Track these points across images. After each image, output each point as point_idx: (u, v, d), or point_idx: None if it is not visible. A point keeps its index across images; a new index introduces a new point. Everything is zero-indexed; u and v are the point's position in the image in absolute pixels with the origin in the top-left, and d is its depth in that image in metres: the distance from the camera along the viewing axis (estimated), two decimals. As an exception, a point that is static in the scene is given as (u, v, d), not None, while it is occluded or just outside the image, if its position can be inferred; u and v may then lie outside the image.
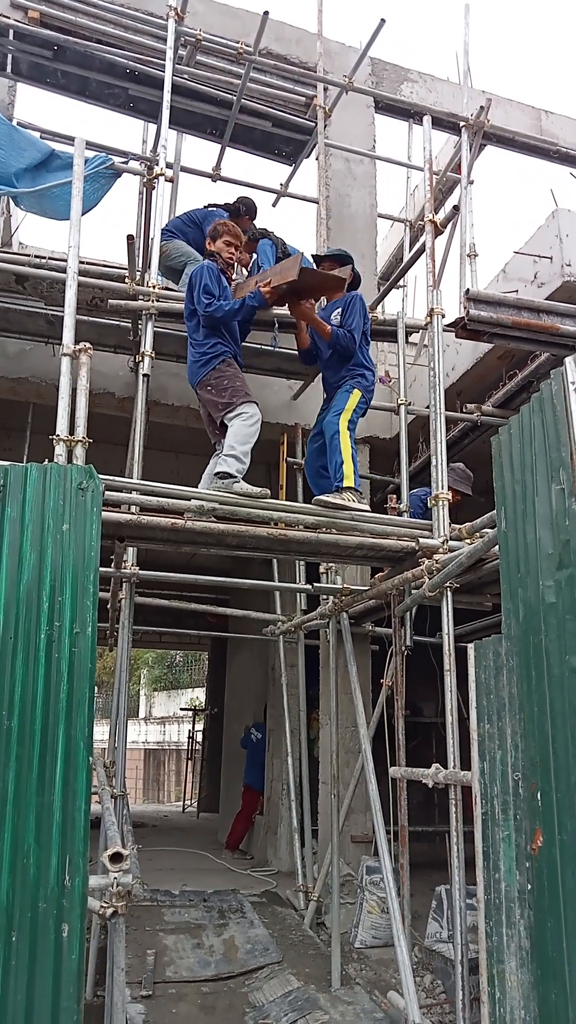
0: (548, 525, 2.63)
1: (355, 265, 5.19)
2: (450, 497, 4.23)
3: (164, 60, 5.67)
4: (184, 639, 16.66)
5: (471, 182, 5.88)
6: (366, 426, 6.75)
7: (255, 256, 6.06)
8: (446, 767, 3.60)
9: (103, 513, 3.11)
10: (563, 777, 2.38)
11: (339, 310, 4.79)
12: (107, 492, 3.59)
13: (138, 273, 5.06)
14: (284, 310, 4.97)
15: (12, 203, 6.22)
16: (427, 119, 5.32)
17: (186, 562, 10.15)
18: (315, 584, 5.39)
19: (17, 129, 5.71)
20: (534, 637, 2.63)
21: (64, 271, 4.21)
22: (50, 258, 5.38)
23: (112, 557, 4.63)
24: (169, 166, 5.57)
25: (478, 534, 3.86)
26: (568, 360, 2.64)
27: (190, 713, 17.85)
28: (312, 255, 5.41)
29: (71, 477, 2.97)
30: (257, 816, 8.23)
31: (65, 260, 4.19)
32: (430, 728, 6.94)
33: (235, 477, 4.17)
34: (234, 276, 5.13)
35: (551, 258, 5.08)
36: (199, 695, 23.09)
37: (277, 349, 5.57)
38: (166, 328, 5.37)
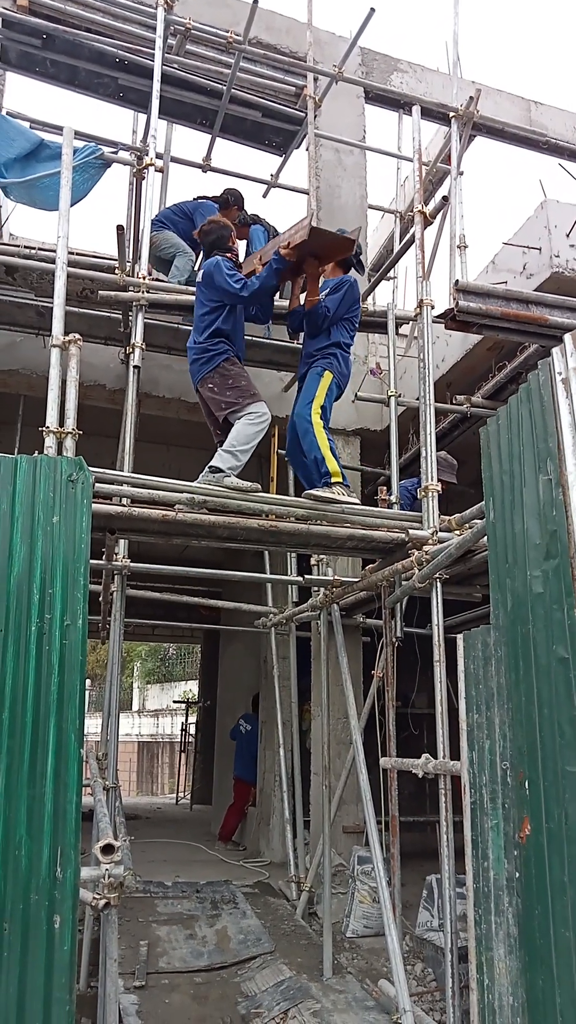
0: (536, 515, 2.64)
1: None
2: (439, 488, 4.24)
3: (154, 49, 5.63)
4: (176, 632, 16.68)
5: (461, 173, 5.89)
6: (356, 418, 6.76)
7: (246, 242, 6.06)
8: (436, 757, 3.62)
9: (94, 505, 3.10)
10: (550, 766, 2.40)
11: (330, 288, 4.75)
12: (98, 484, 3.58)
13: (128, 264, 5.04)
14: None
15: (1, 193, 6.18)
16: (416, 109, 5.31)
17: (178, 555, 10.16)
18: (306, 576, 5.41)
19: (6, 119, 5.67)
20: (522, 627, 2.65)
21: (54, 262, 4.19)
22: (40, 249, 5.36)
23: (103, 549, 4.62)
24: (159, 156, 5.55)
25: (467, 525, 3.88)
26: (555, 350, 2.64)
27: (183, 706, 17.89)
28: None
29: (61, 469, 2.96)
30: (250, 807, 8.26)
31: (55, 251, 4.17)
32: (421, 719, 6.98)
33: (225, 472, 4.16)
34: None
35: (540, 249, 5.08)
36: (192, 688, 23.13)
37: (269, 341, 5.57)
38: (157, 319, 5.36)
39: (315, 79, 6.59)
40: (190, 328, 5.53)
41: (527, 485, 2.71)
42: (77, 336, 3.82)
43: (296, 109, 6.77)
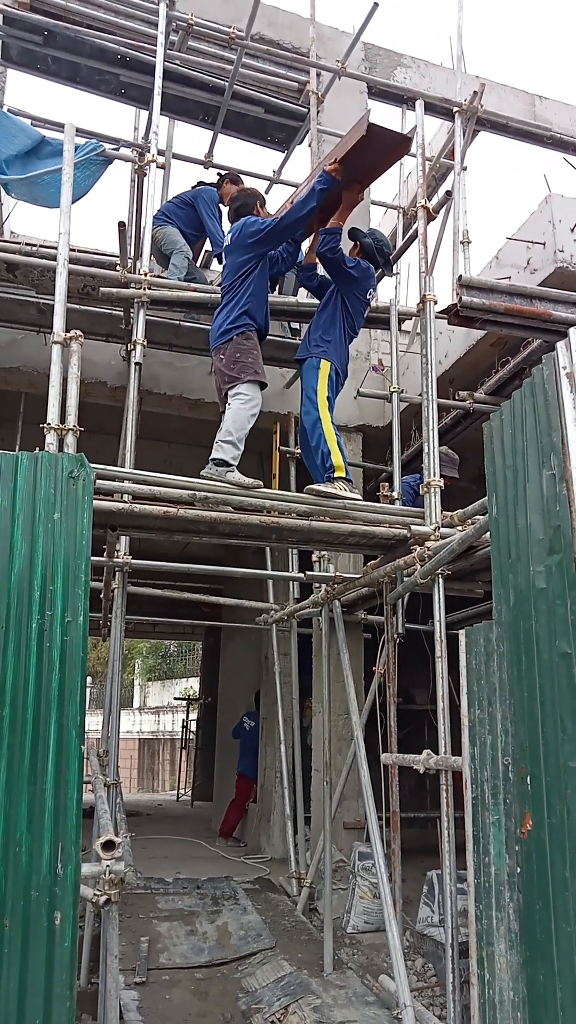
0: (539, 511, 2.63)
1: (348, 253, 5.15)
2: (442, 484, 4.23)
3: (155, 45, 5.62)
4: (178, 628, 16.67)
5: (464, 168, 5.86)
6: (359, 414, 6.76)
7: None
8: (437, 753, 3.62)
9: (95, 502, 3.09)
10: (552, 761, 2.40)
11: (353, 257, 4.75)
12: (99, 481, 3.58)
13: (130, 261, 5.03)
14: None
15: (2, 191, 6.17)
16: (420, 104, 5.28)
17: (179, 551, 10.15)
18: (308, 572, 5.40)
19: (7, 116, 5.66)
20: (524, 623, 2.64)
21: (55, 259, 4.18)
22: (41, 246, 5.34)
23: (104, 546, 4.62)
24: (161, 153, 5.55)
25: (470, 521, 3.87)
26: (559, 345, 2.63)
27: (184, 702, 17.90)
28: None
29: (62, 465, 2.95)
30: (251, 804, 8.27)
31: (56, 248, 4.16)
32: (422, 715, 6.97)
33: (230, 466, 4.15)
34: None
35: (544, 244, 5.07)
36: (193, 684, 23.15)
37: (270, 337, 5.55)
38: (158, 316, 5.35)
39: (318, 75, 6.57)
40: (191, 325, 5.53)
41: (530, 480, 2.70)
42: (78, 333, 3.81)
43: (299, 105, 6.75)
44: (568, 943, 2.23)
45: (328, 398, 4.47)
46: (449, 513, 4.05)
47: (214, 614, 10.36)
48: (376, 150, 4.41)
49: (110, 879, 2.57)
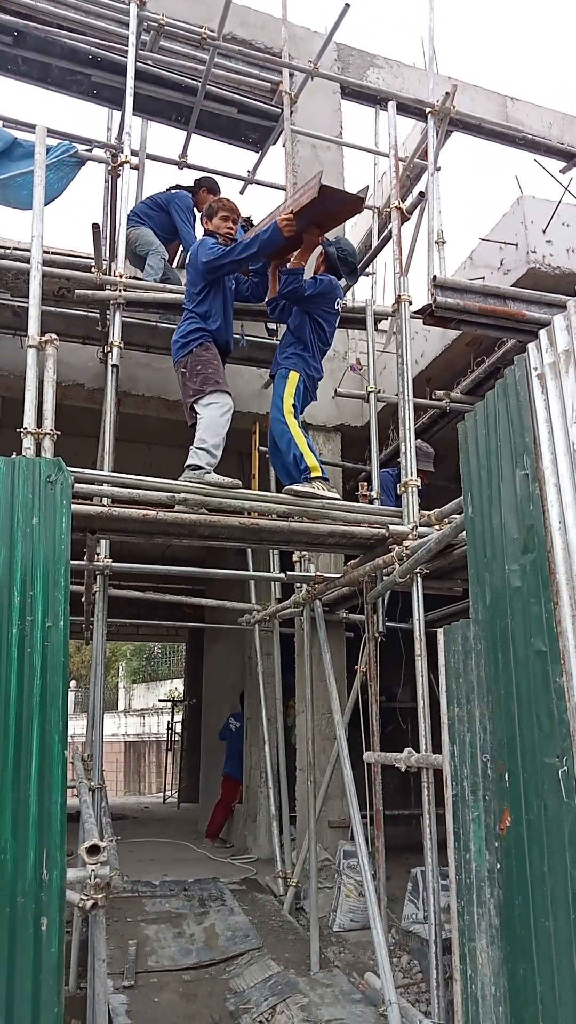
0: (513, 510, 2.67)
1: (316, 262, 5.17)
2: (419, 483, 4.26)
3: (127, 46, 5.59)
4: (161, 630, 16.65)
5: (438, 168, 5.89)
6: (337, 414, 6.78)
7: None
8: (419, 751, 3.65)
9: (74, 506, 3.09)
10: (528, 758, 2.43)
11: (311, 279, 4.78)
12: (77, 484, 3.57)
13: (105, 262, 5.01)
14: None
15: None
16: (392, 105, 5.32)
17: (160, 553, 10.13)
18: (288, 573, 5.41)
19: (-22, 118, 5.62)
20: (500, 621, 2.68)
21: (29, 261, 4.16)
22: (15, 248, 5.31)
23: (84, 550, 4.61)
24: (134, 153, 5.52)
25: (447, 520, 3.90)
26: (531, 346, 2.67)
27: (169, 704, 17.86)
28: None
29: (39, 470, 2.95)
30: (237, 805, 8.28)
31: (30, 250, 4.14)
32: (405, 713, 7.02)
33: (205, 469, 4.17)
34: None
35: (516, 245, 5.11)
36: (178, 686, 23.10)
37: (245, 338, 5.56)
38: (135, 318, 5.33)
39: (291, 75, 6.57)
40: (168, 326, 5.52)
41: (504, 480, 2.74)
42: (54, 336, 3.80)
43: (272, 105, 6.75)
44: (547, 938, 2.26)
45: (294, 405, 4.56)
46: (426, 512, 4.09)
47: (197, 615, 10.36)
48: (331, 205, 4.52)
49: (96, 883, 2.58)
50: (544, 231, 5.05)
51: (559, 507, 2.46)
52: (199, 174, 6.53)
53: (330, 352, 5.12)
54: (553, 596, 2.42)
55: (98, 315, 5.30)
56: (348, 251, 4.94)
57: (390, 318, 5.84)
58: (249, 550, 6.76)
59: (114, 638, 17.94)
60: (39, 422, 3.71)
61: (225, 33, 6.30)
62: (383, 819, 4.23)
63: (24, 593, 2.78)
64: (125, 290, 4.86)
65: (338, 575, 4.96)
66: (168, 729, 17.35)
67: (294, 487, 4.25)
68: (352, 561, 4.81)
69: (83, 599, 5.48)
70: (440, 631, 2.86)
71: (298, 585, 5.52)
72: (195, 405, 4.40)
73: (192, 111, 6.66)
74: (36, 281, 3.96)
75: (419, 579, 3.90)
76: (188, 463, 4.22)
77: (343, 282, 5.00)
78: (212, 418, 4.33)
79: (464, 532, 3.16)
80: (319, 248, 4.83)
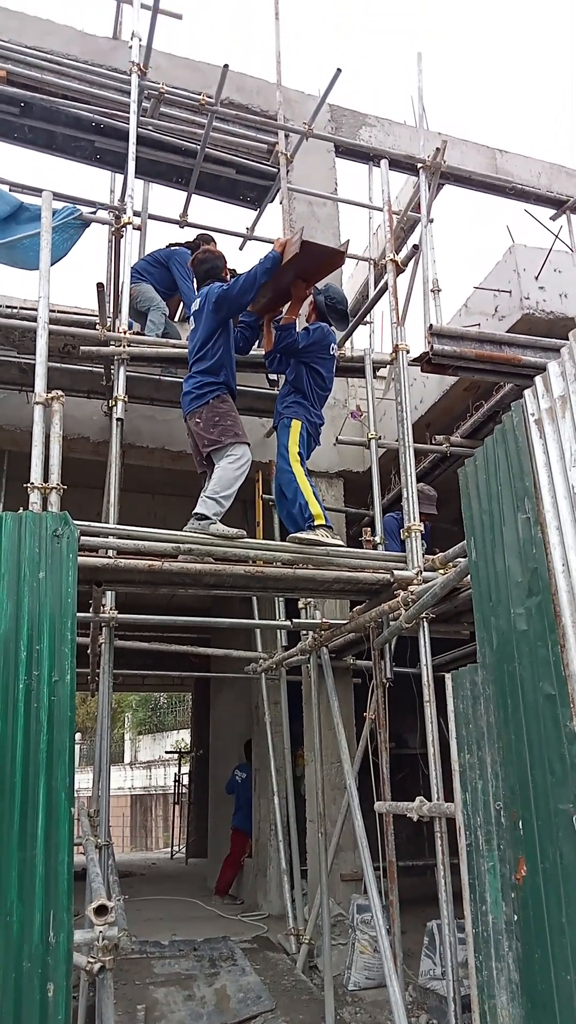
0: (516, 554, 2.68)
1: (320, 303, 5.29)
2: (422, 528, 4.28)
3: (129, 113, 5.82)
4: (167, 681, 16.48)
5: (431, 220, 6.07)
6: (339, 460, 6.84)
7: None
8: (431, 799, 3.59)
9: (80, 558, 3.11)
10: (542, 804, 2.40)
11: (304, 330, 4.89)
12: (83, 537, 3.60)
13: (109, 319, 5.13)
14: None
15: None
16: (385, 163, 5.50)
17: (166, 603, 10.10)
18: (294, 620, 5.40)
19: (-14, 183, 5.82)
20: (508, 665, 2.66)
21: (35, 320, 4.27)
22: (22, 307, 5.44)
23: (91, 601, 4.61)
24: (137, 214, 5.69)
25: (451, 564, 3.92)
26: (527, 392, 2.72)
27: (176, 756, 17.58)
28: None
29: (46, 524, 2.97)
30: (246, 859, 8.10)
31: (36, 310, 4.25)
32: (416, 759, 6.91)
33: (211, 519, 4.20)
34: None
35: (510, 292, 5.23)
36: (185, 736, 22.77)
37: (250, 388, 5.64)
38: (138, 372, 5.43)
39: (286, 136, 6.81)
40: (171, 380, 5.62)
41: (506, 524, 2.76)
42: (60, 392, 3.87)
43: (269, 165, 6.98)
44: (568, 993, 2.20)
45: (299, 453, 4.61)
46: (431, 556, 4.10)
47: (203, 665, 10.28)
48: (314, 259, 4.69)
49: (104, 945, 2.50)
50: (536, 277, 5.17)
51: (562, 550, 2.47)
52: (200, 232, 6.72)
53: (330, 400, 5.20)
54: (560, 639, 2.42)
55: (102, 370, 5.41)
56: (337, 298, 5.06)
57: (389, 366, 5.95)
58: (254, 598, 6.76)
59: (120, 689, 17.73)
60: (46, 477, 3.76)
61: (223, 98, 6.55)
62: (396, 871, 4.14)
63: (31, 648, 2.78)
64: (129, 345, 4.97)
65: (344, 621, 4.95)
66: (175, 781, 17.05)
67: (298, 535, 4.28)
68: (358, 607, 4.81)
69: (88, 651, 5.46)
70: (448, 676, 2.85)
71: (304, 632, 5.50)
72: (212, 455, 4.45)
73: (192, 173, 6.88)
74: (43, 340, 4.05)
75: (425, 624, 3.89)
76: (195, 511, 4.25)
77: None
78: (228, 470, 4.39)
79: (468, 576, 3.16)
80: (309, 299, 4.96)
